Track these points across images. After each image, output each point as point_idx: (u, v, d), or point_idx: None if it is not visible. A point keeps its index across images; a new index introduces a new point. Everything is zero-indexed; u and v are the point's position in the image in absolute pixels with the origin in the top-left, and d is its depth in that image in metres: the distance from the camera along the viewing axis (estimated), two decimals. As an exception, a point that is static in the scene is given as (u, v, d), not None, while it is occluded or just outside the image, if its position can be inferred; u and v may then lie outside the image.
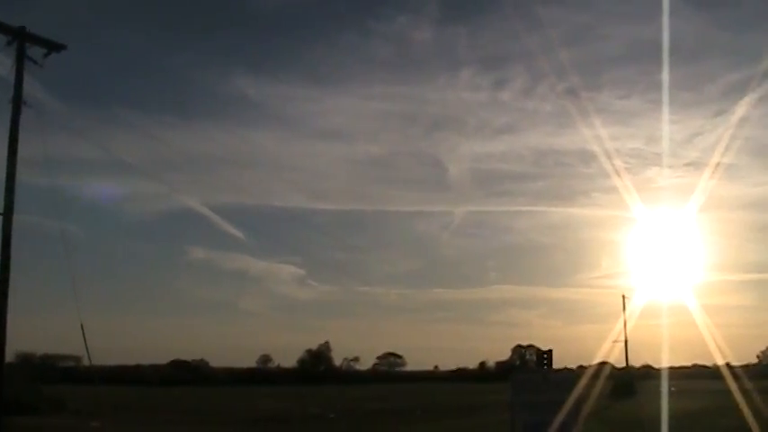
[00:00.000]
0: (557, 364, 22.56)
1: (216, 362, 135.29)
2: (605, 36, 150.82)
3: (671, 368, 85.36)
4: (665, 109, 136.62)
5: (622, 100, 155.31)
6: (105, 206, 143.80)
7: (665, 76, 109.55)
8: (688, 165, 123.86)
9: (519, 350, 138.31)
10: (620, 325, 74.91)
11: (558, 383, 19.15)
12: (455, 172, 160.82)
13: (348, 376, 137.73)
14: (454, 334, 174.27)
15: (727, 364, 63.32)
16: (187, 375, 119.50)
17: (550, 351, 21.14)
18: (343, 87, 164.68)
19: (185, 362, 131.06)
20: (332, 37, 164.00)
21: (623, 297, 76.76)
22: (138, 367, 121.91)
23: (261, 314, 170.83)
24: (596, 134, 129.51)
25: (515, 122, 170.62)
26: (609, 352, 72.15)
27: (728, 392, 42.13)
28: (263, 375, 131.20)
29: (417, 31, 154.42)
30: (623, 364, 77.00)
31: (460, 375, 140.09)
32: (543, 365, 21.35)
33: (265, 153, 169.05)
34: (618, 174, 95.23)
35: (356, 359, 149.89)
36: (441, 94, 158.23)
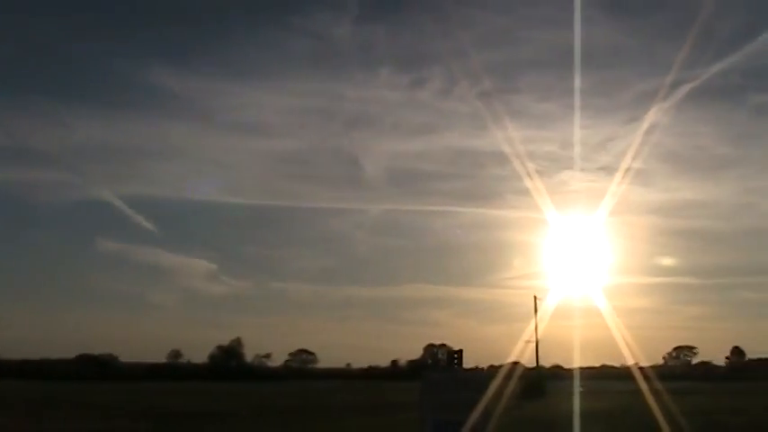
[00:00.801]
0: (469, 364, 22.29)
1: (125, 356, 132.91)
2: (524, 39, 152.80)
3: (580, 368, 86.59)
4: (580, 114, 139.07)
5: (539, 103, 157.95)
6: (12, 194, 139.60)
7: (578, 81, 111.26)
8: (600, 169, 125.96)
9: (431, 349, 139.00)
10: (531, 325, 75.66)
11: (469, 383, 18.76)
12: (371, 170, 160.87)
13: (259, 373, 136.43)
14: (367, 332, 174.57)
15: (636, 365, 64.50)
16: (95, 370, 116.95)
17: (461, 351, 20.72)
18: (262, 81, 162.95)
19: (93, 356, 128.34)
20: (252, 31, 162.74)
21: (535, 298, 77.51)
22: (43, 361, 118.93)
23: (172, 309, 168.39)
24: (512, 136, 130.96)
25: (432, 122, 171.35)
26: (520, 352, 72.75)
27: (638, 392, 42.68)
28: (172, 371, 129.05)
29: (337, 28, 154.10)
30: (534, 365, 77.78)
31: (372, 373, 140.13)
32: (454, 365, 20.95)
33: (181, 145, 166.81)
34: (532, 176, 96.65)
35: (268, 356, 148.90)
36: (359, 92, 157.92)
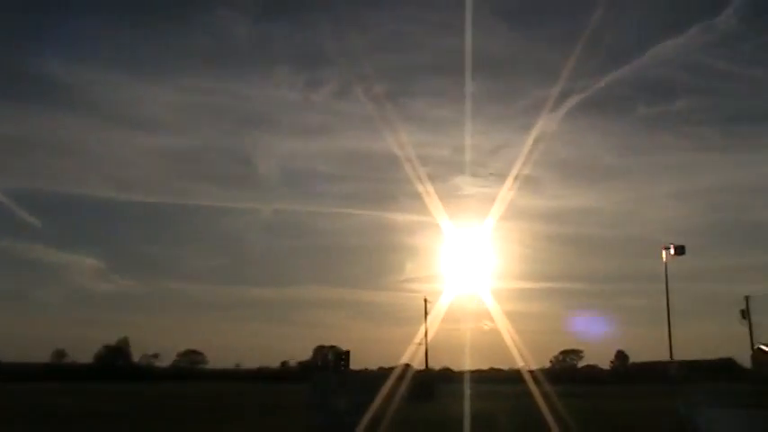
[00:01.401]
0: (360, 366, 21.99)
1: (5, 356, 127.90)
2: (420, 44, 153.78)
3: (470, 371, 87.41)
4: (473, 120, 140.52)
5: (433, 108, 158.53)
6: None
7: (470, 87, 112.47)
8: (493, 175, 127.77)
9: (321, 350, 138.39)
10: (422, 328, 76.00)
11: (357, 385, 18.46)
12: (265, 170, 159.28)
13: (147, 373, 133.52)
14: (257, 332, 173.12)
15: (524, 368, 65.34)
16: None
17: (348, 352, 20.46)
18: (157, 76, 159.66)
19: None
20: (149, 24, 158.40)
21: (425, 301, 77.93)
22: None
23: (56, 307, 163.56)
24: (407, 140, 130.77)
25: (328, 124, 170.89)
26: (411, 355, 72.98)
27: (526, 395, 43.11)
28: (56, 371, 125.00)
29: (236, 26, 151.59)
30: (424, 367, 78.05)
31: (262, 375, 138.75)
32: (341, 367, 20.63)
33: (70, 139, 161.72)
34: (426, 180, 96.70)
35: (156, 356, 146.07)
36: (255, 91, 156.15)
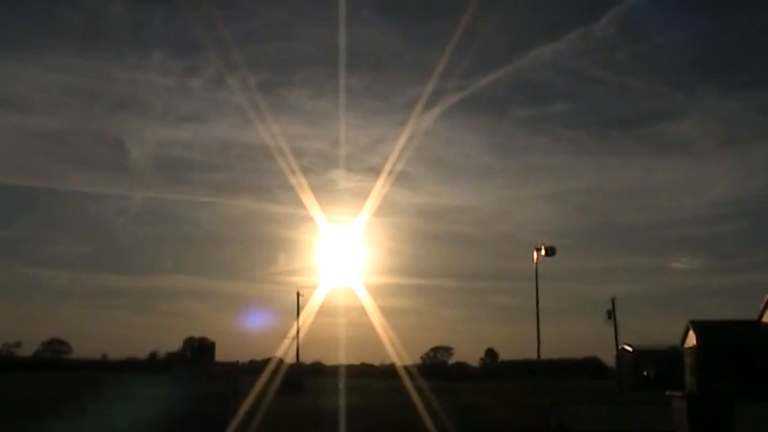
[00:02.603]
0: (230, 358, 21.15)
1: None
2: (301, 35, 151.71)
3: (342, 365, 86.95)
4: (351, 113, 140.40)
5: (312, 100, 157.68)
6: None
7: (344, 81, 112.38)
8: (369, 170, 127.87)
9: (191, 342, 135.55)
10: (294, 321, 75.27)
11: (218, 377, 17.57)
12: (137, 156, 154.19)
13: (8, 363, 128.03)
14: (125, 322, 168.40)
15: (395, 364, 65.31)
16: None
17: (213, 344, 19.55)
18: (24, 54, 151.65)
19: None
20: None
21: (298, 294, 77.18)
22: None
23: None
24: (283, 131, 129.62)
25: (203, 111, 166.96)
26: (282, 348, 72.08)
27: (397, 390, 42.81)
28: None
29: (111, 5, 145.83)
30: (295, 360, 77.33)
31: (130, 365, 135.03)
32: (204, 358, 19.75)
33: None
34: (300, 173, 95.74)
35: (18, 344, 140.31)
36: (128, 74, 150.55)
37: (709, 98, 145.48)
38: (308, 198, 69.05)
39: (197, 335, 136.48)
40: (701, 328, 65.61)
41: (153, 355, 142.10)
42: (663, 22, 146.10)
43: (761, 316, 64.50)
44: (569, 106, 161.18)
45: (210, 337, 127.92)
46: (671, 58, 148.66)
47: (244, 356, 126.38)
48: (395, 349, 58.37)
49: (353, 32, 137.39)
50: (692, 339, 66.90)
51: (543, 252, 57.09)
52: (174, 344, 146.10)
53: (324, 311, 75.25)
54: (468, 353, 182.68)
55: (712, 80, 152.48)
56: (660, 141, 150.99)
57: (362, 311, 59.49)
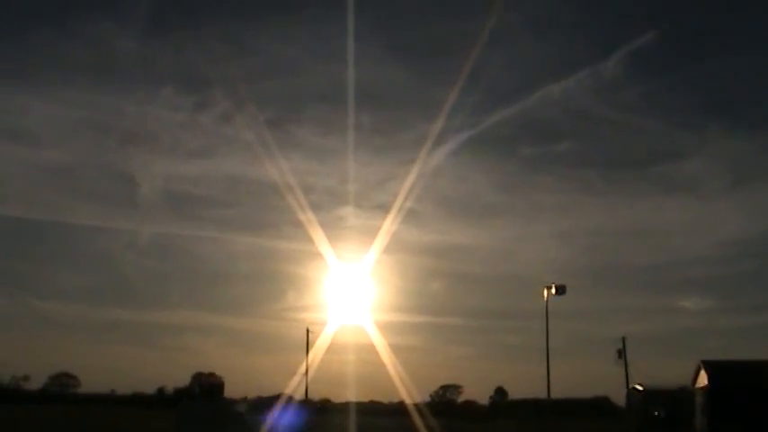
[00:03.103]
0: (238, 395, 21.11)
1: None
2: (310, 72, 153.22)
3: (351, 403, 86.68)
4: (359, 151, 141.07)
5: (321, 137, 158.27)
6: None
7: (353, 118, 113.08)
8: (378, 207, 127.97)
9: (199, 378, 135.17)
10: (302, 358, 75.02)
11: (225, 414, 17.60)
12: (146, 190, 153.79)
13: (16, 396, 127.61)
14: (133, 357, 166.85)
15: (404, 402, 65.12)
16: None
17: (222, 382, 19.52)
18: (34, 87, 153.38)
19: None
20: (27, 32, 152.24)
21: (307, 330, 76.99)
22: None
23: None
24: (292, 168, 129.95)
25: (212, 147, 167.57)
26: (290, 385, 71.78)
27: (408, 428, 42.60)
28: None
29: (122, 40, 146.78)
30: (305, 397, 76.97)
31: (138, 400, 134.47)
32: (213, 395, 19.70)
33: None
34: (309, 209, 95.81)
35: (26, 378, 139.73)
36: (138, 109, 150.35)
37: (716, 138, 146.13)
38: (317, 234, 69.34)
39: (204, 370, 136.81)
40: (712, 368, 65.20)
41: (161, 391, 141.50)
42: (671, 61, 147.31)
43: (772, 356, 64.04)
44: (576, 145, 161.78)
45: (218, 373, 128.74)
46: (679, 97, 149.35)
47: (251, 393, 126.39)
48: (404, 387, 58.20)
49: (362, 70, 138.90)
50: (703, 379, 66.43)
51: (554, 290, 57.10)
52: (181, 379, 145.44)
53: (332, 348, 74.88)
54: (477, 391, 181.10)
55: (720, 120, 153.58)
56: (668, 181, 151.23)
57: (371, 348, 59.57)
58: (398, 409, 76.86)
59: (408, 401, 63.10)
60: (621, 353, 79.60)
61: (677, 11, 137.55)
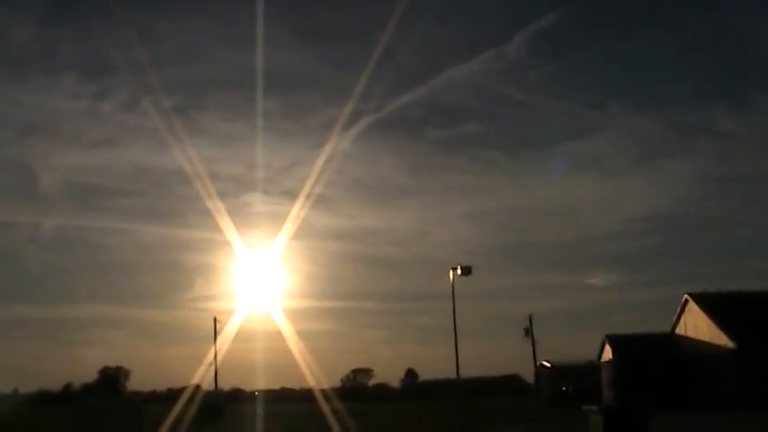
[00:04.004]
0: (147, 386, 20.38)
1: None
2: (216, 57, 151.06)
3: (262, 391, 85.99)
4: (266, 136, 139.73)
5: (226, 123, 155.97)
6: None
7: (261, 103, 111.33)
8: (286, 193, 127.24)
9: (106, 371, 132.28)
10: (211, 347, 74.00)
11: (122, 409, 16.89)
12: (47, 182, 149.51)
13: None
14: (37, 354, 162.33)
15: (315, 388, 64.76)
16: None
17: (116, 375, 18.81)
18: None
19: None
20: None
21: (215, 320, 75.90)
22: None
23: None
24: (197, 155, 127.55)
25: (115, 136, 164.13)
26: (200, 374, 70.69)
27: (318, 414, 42.26)
28: None
29: (17, 27, 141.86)
30: (214, 387, 75.97)
31: (44, 398, 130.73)
32: (113, 389, 18.98)
33: None
34: (216, 197, 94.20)
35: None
36: (37, 98, 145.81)
37: (621, 116, 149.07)
38: (224, 222, 68.24)
39: (113, 364, 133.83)
40: (616, 342, 66.67)
41: (67, 387, 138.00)
42: (574, 42, 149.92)
43: (673, 328, 65.83)
44: (484, 126, 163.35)
45: (127, 365, 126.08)
46: (583, 77, 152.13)
47: (161, 384, 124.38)
48: (313, 373, 57.87)
49: (268, 54, 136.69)
50: (607, 353, 67.91)
51: (459, 271, 57.37)
52: (89, 375, 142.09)
53: (242, 337, 74.14)
54: (389, 374, 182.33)
55: (624, 98, 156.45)
56: (574, 159, 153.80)
57: (281, 336, 58.91)
58: (309, 396, 76.38)
59: (318, 387, 62.85)
60: (529, 331, 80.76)
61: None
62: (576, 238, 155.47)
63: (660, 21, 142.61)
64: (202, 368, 71.43)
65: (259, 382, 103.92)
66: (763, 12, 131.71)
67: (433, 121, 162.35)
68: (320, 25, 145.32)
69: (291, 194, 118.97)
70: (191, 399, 39.91)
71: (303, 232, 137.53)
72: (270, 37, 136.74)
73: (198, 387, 64.91)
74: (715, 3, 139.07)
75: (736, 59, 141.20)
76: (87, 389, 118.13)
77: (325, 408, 42.56)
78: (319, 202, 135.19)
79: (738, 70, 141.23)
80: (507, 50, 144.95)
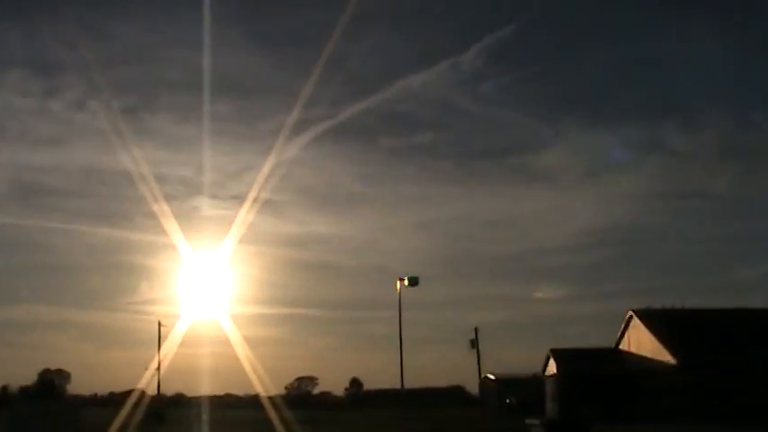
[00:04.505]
0: (89, 390, 20.00)
1: None
2: (167, 59, 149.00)
3: (205, 396, 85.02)
4: (216, 140, 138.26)
5: (176, 126, 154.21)
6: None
7: (211, 106, 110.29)
8: (235, 197, 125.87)
9: (47, 375, 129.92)
10: (155, 352, 73.29)
11: (57, 414, 16.60)
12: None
13: None
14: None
15: (260, 394, 64.36)
16: None
17: (52, 381, 18.43)
18: None
19: None
20: None
21: (159, 324, 75.17)
22: None
23: None
24: (146, 157, 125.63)
25: (63, 135, 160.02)
26: (143, 379, 69.94)
27: (262, 421, 41.96)
28: None
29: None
30: (157, 392, 75.28)
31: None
32: (50, 393, 18.61)
33: None
34: (163, 200, 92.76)
35: None
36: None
37: (573, 130, 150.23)
38: (171, 226, 67.19)
39: (54, 367, 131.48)
40: (560, 356, 67.28)
41: (5, 390, 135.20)
42: (529, 55, 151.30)
43: (618, 343, 66.60)
44: (437, 136, 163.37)
45: (68, 368, 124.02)
46: (536, 90, 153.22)
47: (103, 388, 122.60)
48: (259, 379, 57.47)
49: (220, 57, 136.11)
50: (552, 367, 68.48)
51: (406, 282, 57.58)
52: (29, 378, 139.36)
53: (187, 342, 73.25)
54: (334, 382, 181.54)
55: (577, 113, 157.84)
56: (525, 172, 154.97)
57: (227, 341, 58.41)
58: (254, 403, 75.81)
59: (263, 394, 62.40)
60: (474, 343, 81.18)
61: (535, 5, 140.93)
62: (524, 251, 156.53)
63: (615, 36, 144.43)
64: (146, 372, 70.77)
65: (203, 388, 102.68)
66: (717, 30, 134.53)
67: (386, 129, 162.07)
68: (275, 30, 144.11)
69: (241, 199, 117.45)
70: (133, 403, 39.38)
71: (251, 237, 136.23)
72: (223, 40, 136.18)
73: (141, 392, 64.20)
74: (670, 20, 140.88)
75: (689, 77, 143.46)
76: (25, 392, 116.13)
77: (271, 414, 42.34)
78: (269, 207, 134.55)
79: (690, 88, 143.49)
80: (462, 62, 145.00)
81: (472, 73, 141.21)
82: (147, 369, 72.27)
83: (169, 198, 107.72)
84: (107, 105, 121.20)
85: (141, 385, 68.28)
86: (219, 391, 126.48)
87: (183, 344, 68.02)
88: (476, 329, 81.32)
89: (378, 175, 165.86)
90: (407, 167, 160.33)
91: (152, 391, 73.24)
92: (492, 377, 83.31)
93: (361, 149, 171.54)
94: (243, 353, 55.73)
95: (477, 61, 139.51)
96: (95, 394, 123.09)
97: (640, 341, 62.45)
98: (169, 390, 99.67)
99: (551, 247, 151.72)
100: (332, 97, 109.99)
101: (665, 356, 56.99)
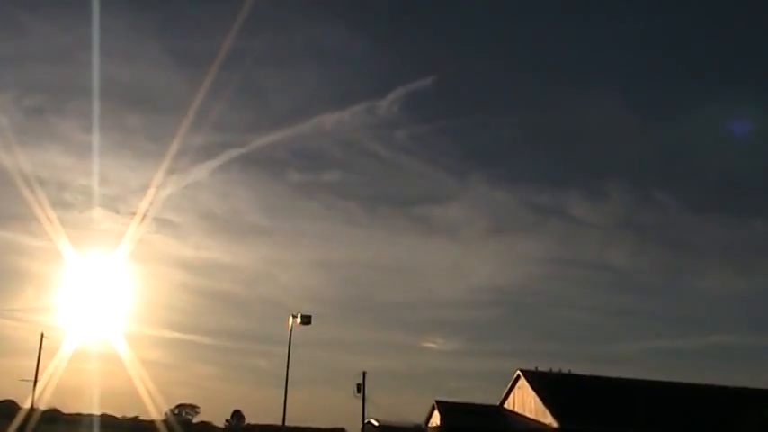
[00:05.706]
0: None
1: None
2: (84, 64, 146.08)
3: (82, 415, 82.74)
4: (124, 153, 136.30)
5: (84, 133, 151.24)
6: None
7: (122, 118, 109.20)
8: (134, 214, 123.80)
9: None
10: (33, 363, 70.87)
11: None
12: None
13: None
14: None
15: (137, 418, 62.92)
16: None
17: None
18: None
19: None
20: None
21: (42, 335, 72.90)
22: None
23: None
24: (49, 161, 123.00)
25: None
26: (17, 390, 67.59)
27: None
28: None
29: None
30: (30, 405, 72.61)
31: None
32: None
33: None
34: (62, 207, 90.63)
35: None
36: None
37: (479, 186, 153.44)
38: (68, 234, 65.91)
39: None
40: (444, 408, 67.62)
41: None
42: (444, 108, 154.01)
43: (503, 401, 67.54)
44: (345, 176, 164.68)
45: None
46: (447, 143, 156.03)
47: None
48: (140, 402, 56.26)
49: (138, 70, 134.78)
50: (436, 419, 68.78)
51: (299, 320, 57.45)
52: None
53: (68, 356, 70.93)
54: (215, 413, 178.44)
55: (484, 169, 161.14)
56: (428, 223, 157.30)
57: (111, 359, 57.22)
58: (130, 426, 74.03)
59: (143, 417, 61.06)
60: (360, 387, 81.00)
61: (456, 61, 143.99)
62: (419, 300, 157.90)
63: (528, 100, 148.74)
64: (19, 383, 68.33)
65: (81, 405, 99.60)
66: (628, 105, 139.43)
67: (296, 163, 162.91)
68: (197, 49, 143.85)
69: (140, 216, 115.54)
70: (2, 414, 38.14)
71: (146, 256, 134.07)
72: (142, 52, 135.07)
73: (13, 404, 62.03)
74: (583, 90, 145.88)
75: (596, 148, 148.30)
76: None
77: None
78: (168, 227, 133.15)
79: (596, 159, 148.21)
80: (379, 106, 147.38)
81: (388, 118, 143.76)
82: (20, 380, 69.71)
83: (68, 206, 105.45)
84: (14, 103, 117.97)
85: (13, 396, 65.93)
86: (97, 411, 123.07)
87: (63, 358, 66.07)
88: (363, 373, 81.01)
89: (281, 209, 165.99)
90: (312, 204, 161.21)
91: (24, 403, 70.66)
92: (375, 422, 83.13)
93: (268, 180, 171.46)
94: (125, 373, 54.66)
95: (394, 107, 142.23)
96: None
97: (525, 401, 63.53)
98: (43, 404, 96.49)
99: (446, 300, 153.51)
100: (245, 125, 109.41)
101: (547, 418, 58.10)
